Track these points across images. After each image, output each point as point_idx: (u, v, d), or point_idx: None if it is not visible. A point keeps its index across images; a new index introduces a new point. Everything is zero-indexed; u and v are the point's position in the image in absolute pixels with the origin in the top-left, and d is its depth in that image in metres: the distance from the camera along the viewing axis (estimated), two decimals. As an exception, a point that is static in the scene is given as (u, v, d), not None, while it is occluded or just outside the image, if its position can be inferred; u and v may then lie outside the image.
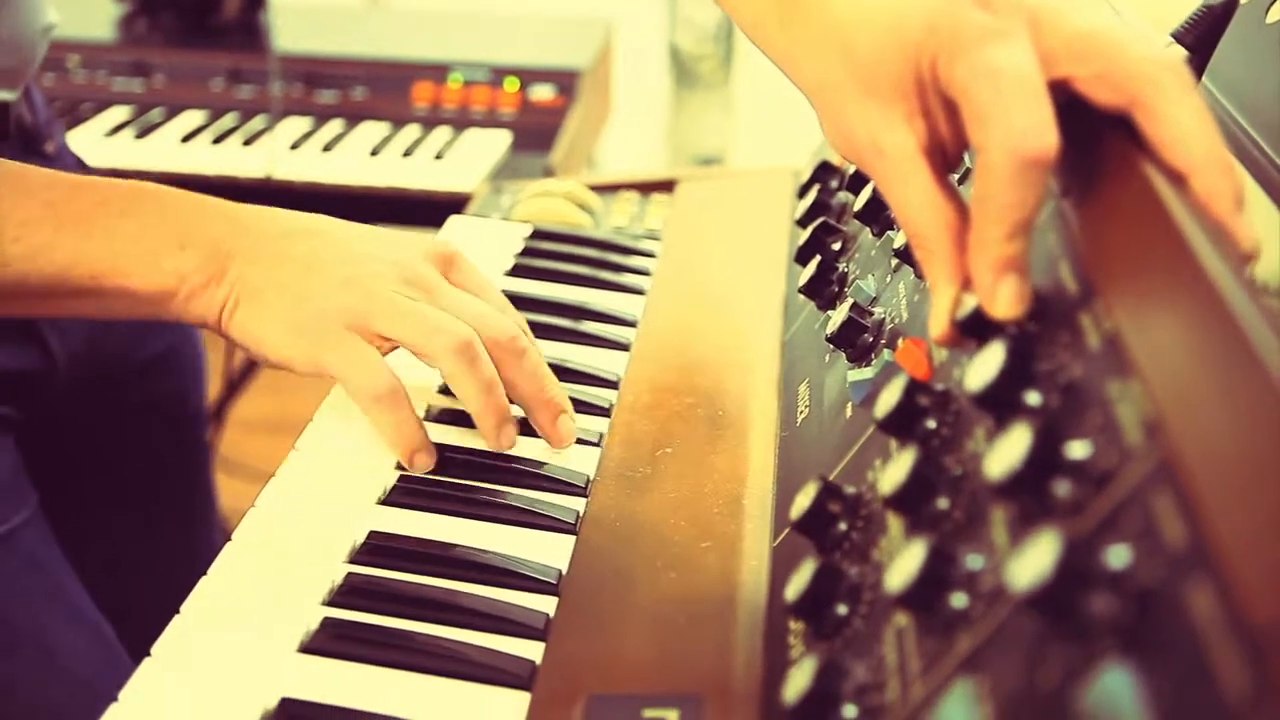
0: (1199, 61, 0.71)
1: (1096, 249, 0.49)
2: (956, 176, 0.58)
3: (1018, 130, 0.49)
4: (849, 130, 0.56)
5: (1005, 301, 0.50)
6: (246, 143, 1.58)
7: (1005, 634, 0.40)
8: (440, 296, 0.74)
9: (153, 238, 0.72)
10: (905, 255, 0.68)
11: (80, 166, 1.06)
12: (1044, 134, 0.49)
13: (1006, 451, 0.42)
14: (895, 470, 0.49)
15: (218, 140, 1.59)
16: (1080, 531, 0.39)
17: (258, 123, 1.62)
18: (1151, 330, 0.43)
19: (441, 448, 0.73)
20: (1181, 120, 0.49)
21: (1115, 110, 0.51)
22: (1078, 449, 0.42)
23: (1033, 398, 0.46)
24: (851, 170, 0.86)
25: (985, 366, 0.47)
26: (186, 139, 1.59)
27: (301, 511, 0.69)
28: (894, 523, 0.52)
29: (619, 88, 2.04)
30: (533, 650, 0.60)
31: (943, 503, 0.49)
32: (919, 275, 0.66)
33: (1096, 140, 0.52)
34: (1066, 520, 0.40)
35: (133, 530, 1.10)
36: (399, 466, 0.72)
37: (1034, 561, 0.37)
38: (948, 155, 0.55)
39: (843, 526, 0.56)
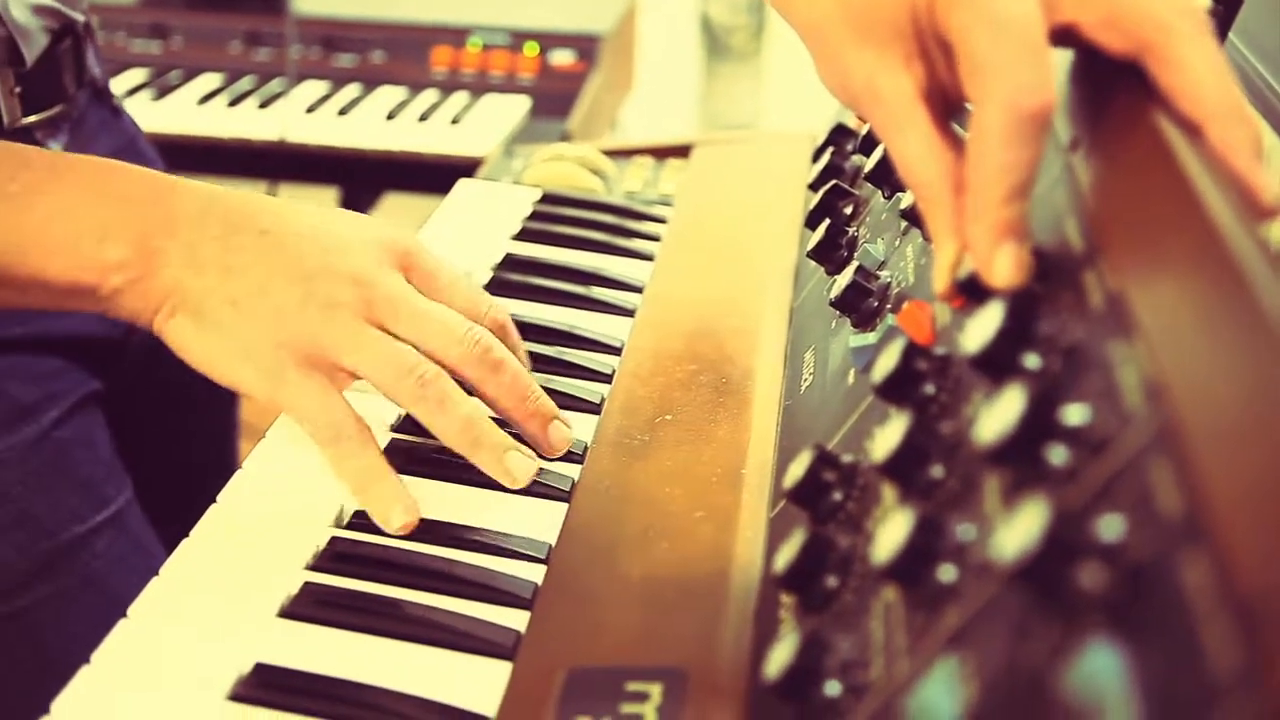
0: (1226, 15, 0.68)
1: (1104, 205, 0.46)
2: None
3: (1016, 85, 0.46)
4: (845, 74, 0.53)
5: (1003, 270, 0.47)
6: (263, 105, 1.56)
7: (992, 608, 0.38)
8: (402, 314, 0.66)
9: (70, 221, 0.64)
10: (912, 216, 0.65)
11: (136, 128, 1.04)
12: (1043, 90, 0.46)
13: (999, 415, 0.39)
14: (888, 436, 0.47)
15: (234, 103, 1.57)
16: (1072, 501, 0.36)
17: (275, 86, 1.61)
18: (1158, 290, 0.40)
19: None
20: (1195, 66, 0.46)
21: (1125, 57, 0.48)
22: (1075, 414, 0.39)
23: (1031, 360, 0.44)
24: (865, 131, 0.83)
25: (983, 327, 0.44)
26: (203, 101, 1.58)
27: (290, 476, 0.68)
28: (888, 492, 0.50)
29: (648, 58, 2.02)
30: (519, 620, 0.58)
31: (937, 471, 0.46)
32: (927, 237, 0.64)
33: (1105, 90, 0.49)
34: (1059, 489, 0.38)
35: (187, 504, 1.07)
36: (391, 429, 0.71)
37: (1020, 532, 0.35)
38: (949, 100, 0.52)
39: (838, 496, 0.54)
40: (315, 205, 0.71)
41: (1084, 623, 0.33)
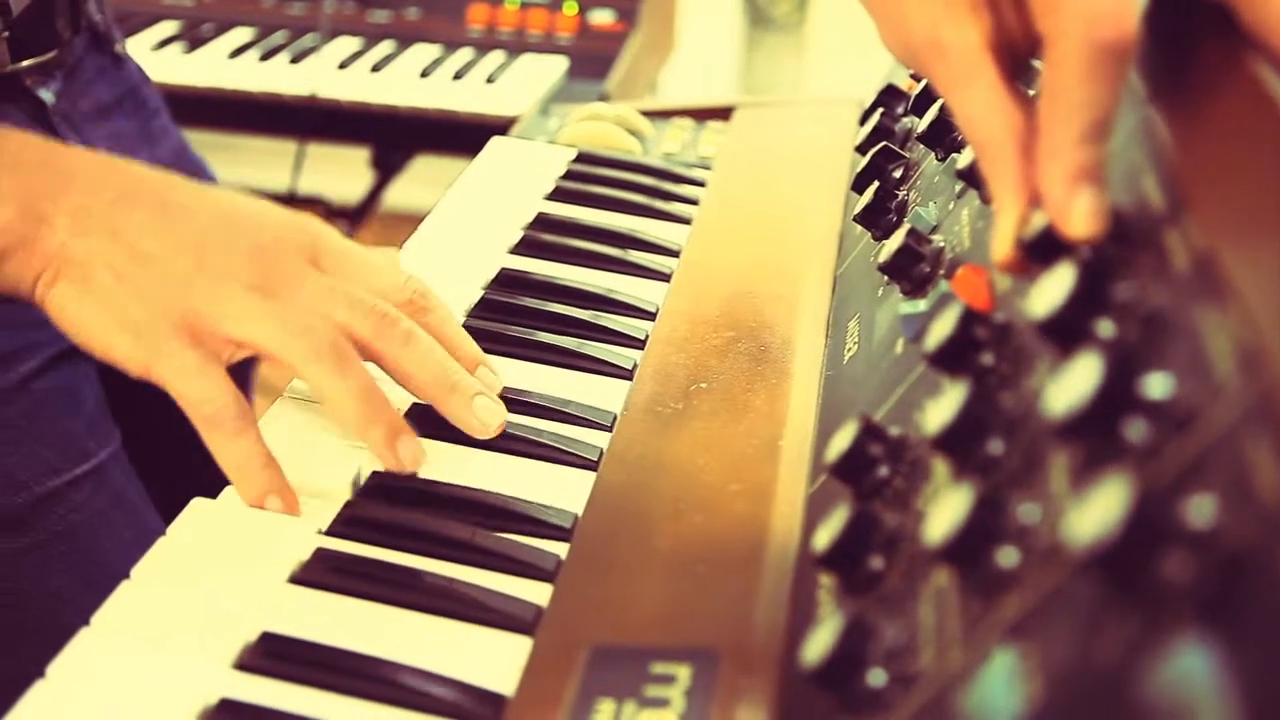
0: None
1: (1189, 158, 0.42)
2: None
3: (1092, 14, 0.42)
4: (906, 26, 0.49)
5: (1080, 217, 0.43)
6: (295, 60, 1.54)
7: (1060, 597, 0.34)
8: (303, 290, 0.62)
9: None
10: (970, 176, 0.61)
11: (141, 76, 1.02)
12: (1123, 19, 0.42)
13: (1072, 386, 0.36)
14: (944, 407, 0.43)
15: (266, 57, 1.55)
16: (1156, 480, 0.33)
17: (307, 41, 1.58)
18: (1254, 249, 0.36)
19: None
20: None
21: None
22: (1156, 384, 0.35)
23: (1105, 327, 0.40)
24: (916, 92, 0.79)
25: (1052, 290, 0.40)
26: (235, 55, 1.55)
27: (305, 437, 0.65)
28: (940, 468, 0.46)
29: (689, 25, 1.97)
30: (541, 593, 0.55)
31: (995, 446, 0.43)
32: (985, 199, 0.60)
33: (1186, 35, 0.45)
34: (1139, 467, 0.34)
35: (197, 464, 1.05)
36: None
37: (1099, 513, 0.31)
38: (1017, 53, 0.48)
39: (884, 471, 0.50)
40: (225, 190, 0.67)
41: (1169, 617, 0.30)
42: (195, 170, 1.05)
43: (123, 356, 0.61)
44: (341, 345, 0.61)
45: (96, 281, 0.61)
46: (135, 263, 0.61)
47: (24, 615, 0.51)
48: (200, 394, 0.60)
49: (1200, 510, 0.31)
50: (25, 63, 0.84)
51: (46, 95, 0.87)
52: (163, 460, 0.60)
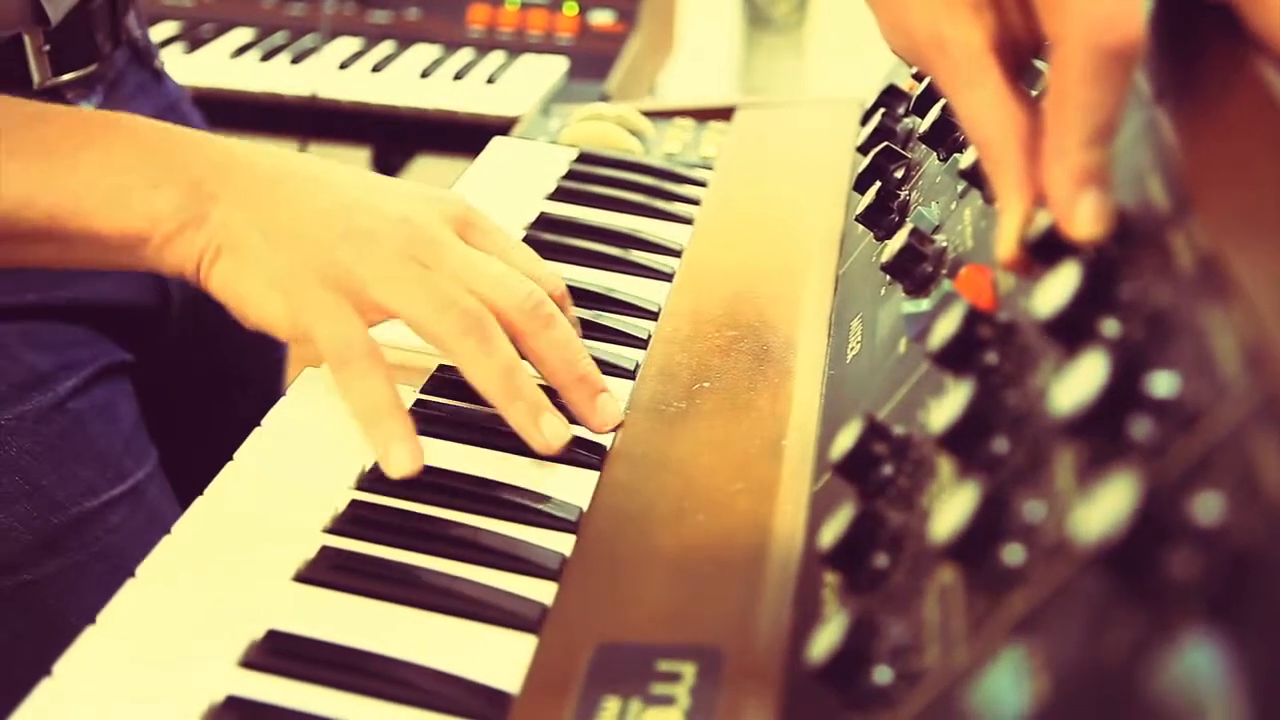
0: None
1: (1195, 159, 0.43)
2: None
3: (1099, 17, 0.42)
4: (908, 23, 0.49)
5: (1085, 218, 0.44)
6: (295, 60, 1.54)
7: (1067, 594, 0.35)
8: (450, 261, 0.63)
9: (122, 172, 0.63)
10: (972, 176, 0.61)
11: (180, 92, 1.01)
12: (1130, 22, 0.42)
13: (1078, 384, 0.36)
14: (948, 405, 0.43)
15: (266, 57, 1.55)
16: (1162, 478, 0.33)
17: (308, 41, 1.58)
18: (1260, 249, 0.36)
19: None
20: None
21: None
22: (1162, 383, 0.36)
23: (1110, 327, 0.40)
24: (918, 93, 0.80)
25: (1058, 289, 0.41)
26: (235, 55, 1.55)
27: (310, 435, 0.65)
28: (945, 466, 0.47)
29: (688, 26, 1.98)
30: (545, 591, 0.55)
31: (1000, 445, 0.43)
32: (987, 199, 0.60)
33: (1191, 38, 0.46)
34: (1146, 464, 0.34)
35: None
36: (421, 390, 0.67)
37: (1106, 510, 0.31)
38: (1020, 52, 0.48)
39: (888, 470, 0.50)
40: (371, 172, 0.69)
41: (1176, 614, 0.30)
42: None
43: (273, 316, 0.62)
44: (486, 321, 0.62)
45: (251, 249, 0.62)
46: (288, 229, 0.62)
47: (62, 637, 0.51)
48: (333, 333, 0.61)
49: (1207, 507, 0.31)
50: (66, 76, 0.84)
51: (88, 109, 0.87)
52: (198, 481, 0.61)
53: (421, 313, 0.61)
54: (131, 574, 0.55)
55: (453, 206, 0.67)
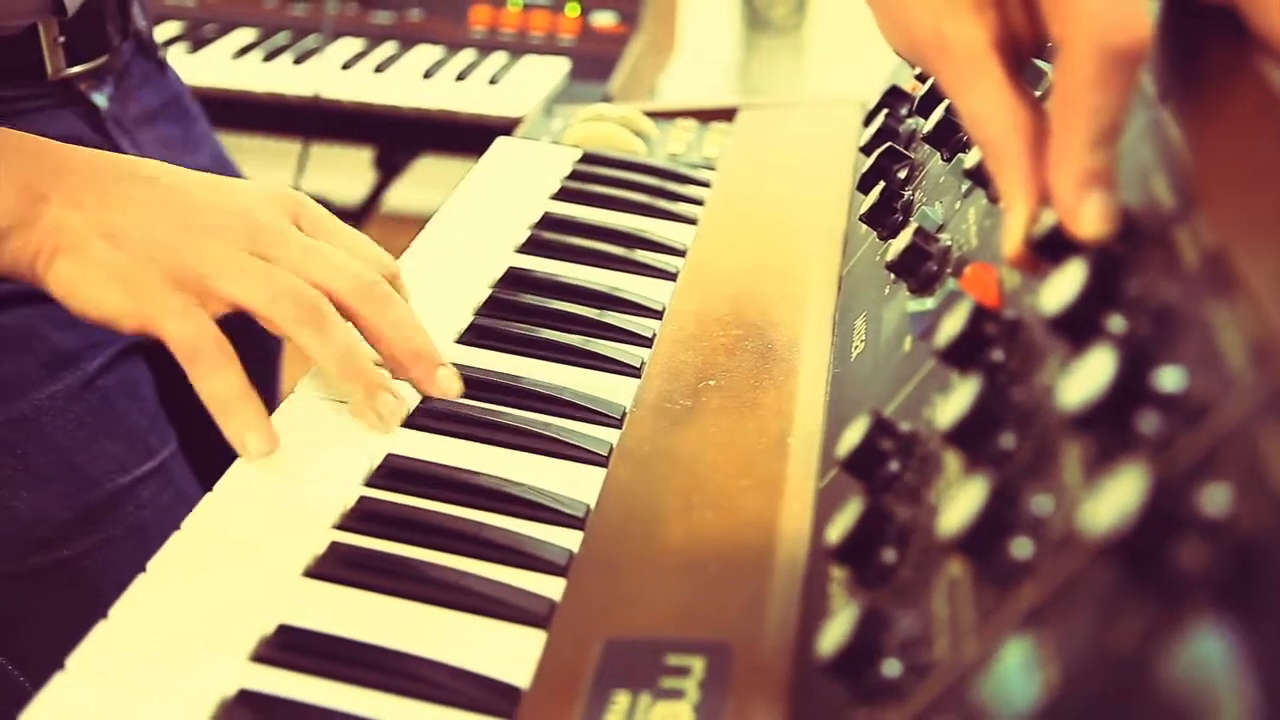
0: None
1: (1200, 157, 0.43)
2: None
3: (1105, 20, 0.42)
4: (909, 22, 0.49)
5: (1090, 219, 0.44)
6: (298, 61, 1.54)
7: (1076, 586, 0.35)
8: (289, 251, 0.65)
9: None
10: (977, 175, 0.61)
11: (181, 84, 1.02)
12: (1136, 25, 0.42)
13: (1086, 377, 0.36)
14: (956, 401, 0.44)
15: (269, 57, 1.55)
16: (1171, 470, 0.33)
17: (310, 41, 1.58)
18: (1265, 246, 0.37)
19: (465, 369, 0.68)
20: None
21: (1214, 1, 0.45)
22: (1169, 378, 0.36)
23: (1116, 323, 0.40)
24: (921, 94, 0.80)
25: (1064, 286, 0.41)
26: (238, 55, 1.56)
27: (319, 431, 0.65)
28: (952, 462, 0.47)
29: (687, 27, 1.98)
30: (553, 587, 0.56)
31: (1007, 440, 0.43)
32: (992, 199, 0.61)
33: (1196, 38, 0.46)
34: (1154, 458, 0.34)
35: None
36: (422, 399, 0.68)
37: (1115, 502, 0.31)
38: (1021, 51, 0.48)
39: (895, 466, 0.51)
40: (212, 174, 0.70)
41: (1185, 604, 0.30)
42: (231, 176, 1.06)
43: (115, 310, 0.63)
44: (323, 307, 0.64)
45: (91, 249, 0.63)
46: (127, 229, 0.64)
47: (101, 612, 0.52)
48: (183, 331, 0.63)
49: (1215, 499, 0.32)
50: (79, 68, 0.86)
51: (100, 99, 0.88)
52: (214, 466, 0.62)
53: (261, 302, 0.63)
54: None
55: (287, 199, 0.69)
